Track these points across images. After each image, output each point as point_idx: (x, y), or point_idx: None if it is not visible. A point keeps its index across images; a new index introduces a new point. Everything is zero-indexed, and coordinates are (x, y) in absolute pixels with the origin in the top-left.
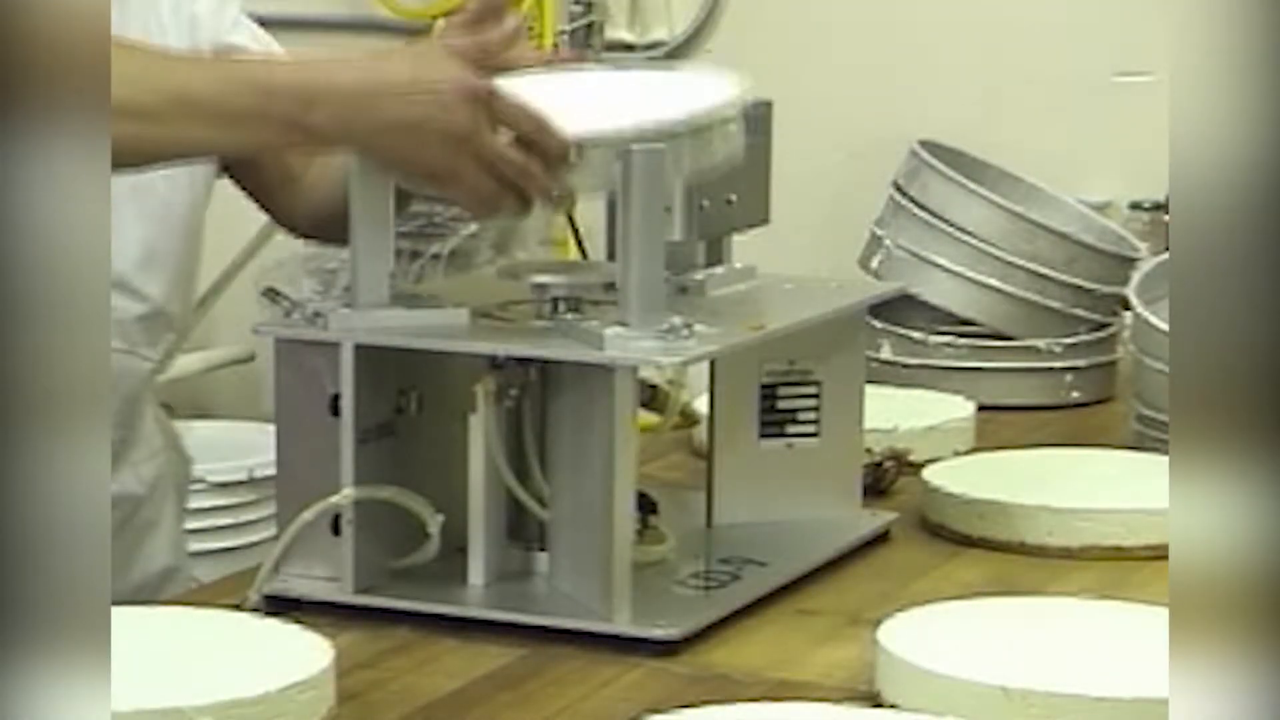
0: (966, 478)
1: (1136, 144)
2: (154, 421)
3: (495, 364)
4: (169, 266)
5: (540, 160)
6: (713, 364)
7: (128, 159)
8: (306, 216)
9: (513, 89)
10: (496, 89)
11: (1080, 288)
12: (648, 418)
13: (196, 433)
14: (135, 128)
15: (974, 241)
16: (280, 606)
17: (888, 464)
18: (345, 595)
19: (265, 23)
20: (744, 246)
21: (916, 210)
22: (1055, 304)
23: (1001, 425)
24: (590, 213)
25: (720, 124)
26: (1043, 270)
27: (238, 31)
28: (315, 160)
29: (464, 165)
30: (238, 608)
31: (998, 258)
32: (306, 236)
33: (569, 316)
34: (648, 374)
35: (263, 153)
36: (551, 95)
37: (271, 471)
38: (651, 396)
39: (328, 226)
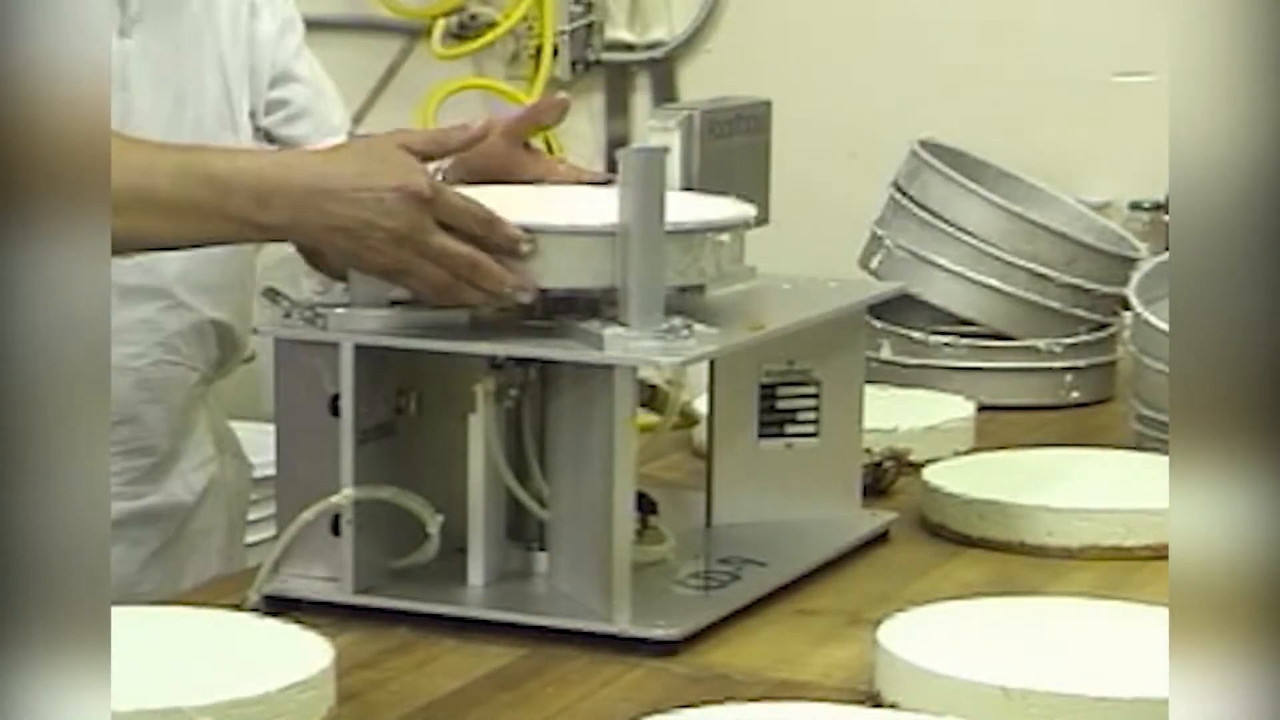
0: (966, 478)
1: (1136, 144)
2: (207, 430)
3: (495, 364)
4: (214, 278)
5: (492, 254)
6: (712, 364)
7: None
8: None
9: (457, 190)
10: (440, 189)
11: (1080, 288)
12: (648, 418)
13: None
14: None
15: (974, 241)
16: (280, 606)
17: (888, 464)
18: (345, 595)
19: None
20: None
21: (916, 210)
22: (1055, 304)
23: (1001, 425)
24: None
25: (706, 237)
26: (1043, 270)
27: (299, 60)
28: None
29: (410, 263)
30: (238, 608)
31: (998, 258)
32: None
33: (569, 316)
34: (648, 374)
35: (217, 245)
36: (516, 196)
37: (271, 471)
38: (651, 396)
39: None
